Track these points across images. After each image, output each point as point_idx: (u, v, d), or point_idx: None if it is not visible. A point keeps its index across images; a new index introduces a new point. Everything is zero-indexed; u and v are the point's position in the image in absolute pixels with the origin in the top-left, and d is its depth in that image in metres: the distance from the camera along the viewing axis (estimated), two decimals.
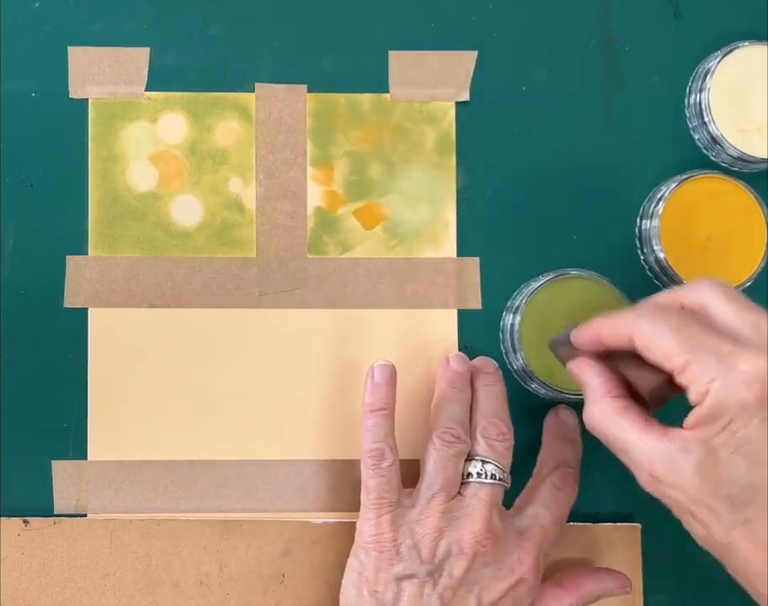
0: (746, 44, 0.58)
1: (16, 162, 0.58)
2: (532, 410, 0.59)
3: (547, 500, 0.55)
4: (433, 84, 0.60)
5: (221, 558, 0.54)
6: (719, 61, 0.58)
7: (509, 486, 0.54)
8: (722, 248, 0.57)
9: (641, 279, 0.59)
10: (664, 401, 0.49)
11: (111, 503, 0.58)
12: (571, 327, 0.52)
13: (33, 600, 0.56)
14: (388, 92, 0.60)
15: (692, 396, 0.45)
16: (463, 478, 0.53)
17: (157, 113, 0.59)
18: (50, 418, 0.58)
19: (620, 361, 0.50)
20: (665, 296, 0.50)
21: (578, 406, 0.54)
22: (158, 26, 0.59)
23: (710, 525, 0.45)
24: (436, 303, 0.59)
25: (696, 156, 0.60)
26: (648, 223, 0.58)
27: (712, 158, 0.60)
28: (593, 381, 0.50)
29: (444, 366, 0.57)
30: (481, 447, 0.54)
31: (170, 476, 0.58)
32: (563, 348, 0.52)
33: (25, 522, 0.57)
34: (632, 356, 0.49)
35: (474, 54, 0.60)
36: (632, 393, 0.49)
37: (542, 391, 0.58)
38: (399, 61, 0.60)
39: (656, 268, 0.58)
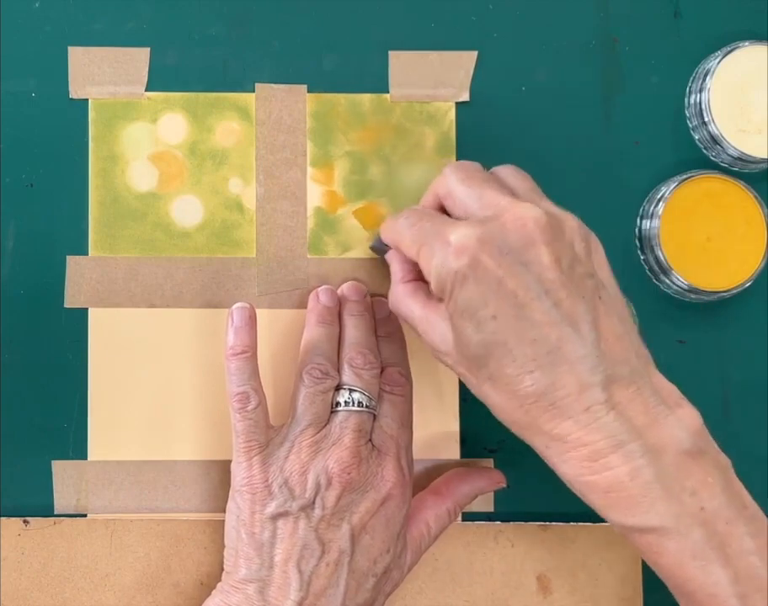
0: (746, 44, 0.58)
1: (16, 162, 0.58)
2: None
3: (386, 408, 0.55)
4: (433, 84, 0.60)
5: (221, 558, 0.54)
6: (719, 61, 0.58)
7: (377, 413, 0.54)
8: (722, 248, 0.57)
9: (641, 280, 0.59)
10: None
11: (111, 503, 0.58)
12: (377, 232, 0.55)
13: (33, 600, 0.56)
14: (388, 92, 0.59)
15: (426, 277, 0.49)
16: (332, 408, 0.54)
17: (157, 113, 0.59)
18: (50, 418, 0.58)
19: None
20: (427, 193, 0.52)
21: None
22: (158, 26, 0.59)
23: (470, 384, 0.49)
24: None
25: (696, 156, 0.60)
26: (648, 223, 0.58)
27: (712, 158, 0.60)
28: (393, 269, 0.53)
29: (313, 301, 0.57)
30: (348, 376, 0.54)
31: (170, 476, 0.58)
32: (380, 251, 0.56)
33: (25, 522, 0.57)
34: None
35: (474, 54, 0.60)
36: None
37: None
38: (399, 61, 0.60)
39: (656, 268, 0.58)
